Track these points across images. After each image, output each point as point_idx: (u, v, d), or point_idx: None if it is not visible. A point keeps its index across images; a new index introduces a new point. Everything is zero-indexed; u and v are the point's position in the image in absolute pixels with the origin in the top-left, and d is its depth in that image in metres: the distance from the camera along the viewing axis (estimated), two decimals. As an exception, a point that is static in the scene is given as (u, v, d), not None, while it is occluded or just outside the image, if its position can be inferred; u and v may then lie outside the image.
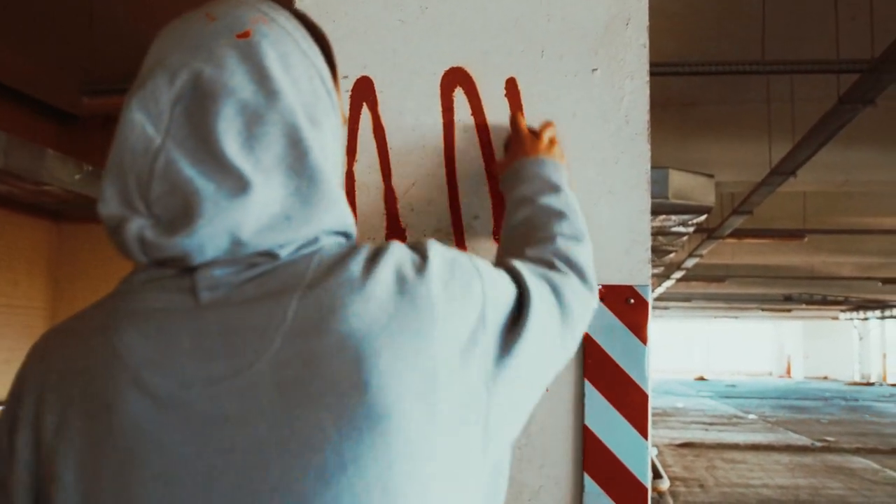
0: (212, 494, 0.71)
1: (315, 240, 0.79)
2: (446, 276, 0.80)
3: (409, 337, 0.75)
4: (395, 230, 1.50)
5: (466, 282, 0.81)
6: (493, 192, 1.49)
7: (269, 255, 0.77)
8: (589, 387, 1.45)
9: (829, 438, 13.49)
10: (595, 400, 1.44)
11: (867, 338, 35.54)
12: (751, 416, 17.25)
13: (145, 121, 0.77)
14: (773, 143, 7.72)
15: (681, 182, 5.43)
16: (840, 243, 14.18)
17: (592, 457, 1.44)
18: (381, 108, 1.52)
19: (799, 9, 5.89)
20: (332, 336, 0.73)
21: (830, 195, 11.40)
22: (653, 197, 1.50)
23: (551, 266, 1.04)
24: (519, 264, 0.95)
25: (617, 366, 1.45)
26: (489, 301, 0.83)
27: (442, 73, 1.52)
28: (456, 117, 1.51)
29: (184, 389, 0.74)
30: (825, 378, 37.66)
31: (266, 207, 0.76)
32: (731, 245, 12.69)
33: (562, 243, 1.09)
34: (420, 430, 0.73)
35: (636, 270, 1.47)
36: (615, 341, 1.45)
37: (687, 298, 25.40)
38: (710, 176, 5.89)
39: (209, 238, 0.74)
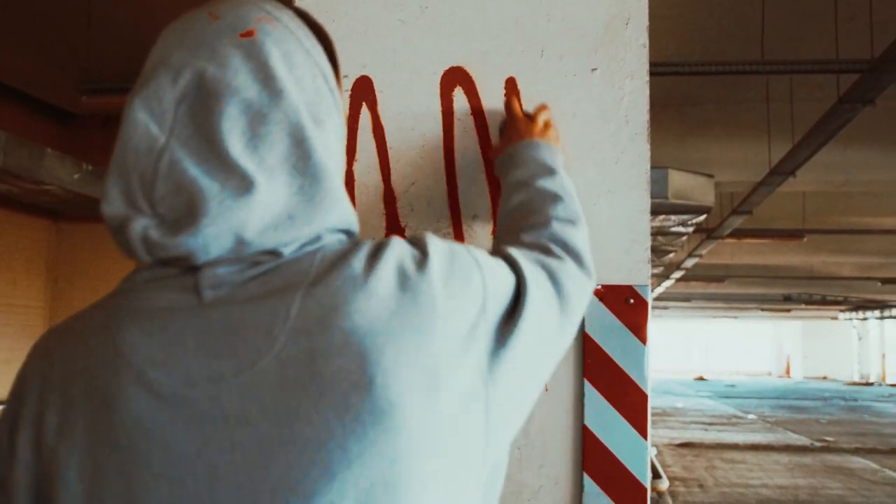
0: (215, 492, 0.71)
1: (318, 237, 0.79)
2: (447, 272, 0.80)
3: (412, 333, 0.75)
4: (394, 230, 1.50)
5: (466, 275, 0.81)
6: (493, 191, 1.49)
7: (273, 253, 0.77)
8: (588, 387, 1.45)
9: (828, 438, 13.49)
10: (594, 400, 1.44)
11: (866, 338, 35.54)
12: (750, 416, 17.26)
13: (149, 120, 0.77)
14: (772, 143, 7.72)
15: (680, 182, 5.43)
16: (839, 243, 14.18)
17: (592, 457, 1.44)
18: (380, 108, 1.52)
19: (798, 9, 5.88)
20: (335, 333, 0.73)
21: (830, 195, 11.40)
22: (652, 197, 1.50)
23: (547, 251, 1.03)
24: (515, 252, 0.95)
25: (616, 366, 1.45)
26: (490, 293, 0.83)
27: (442, 73, 1.52)
28: (456, 117, 1.51)
29: (187, 388, 0.74)
30: (824, 378, 37.67)
31: (270, 207, 0.76)
32: (730, 245, 12.69)
33: (557, 227, 1.09)
34: (422, 427, 0.73)
35: (636, 270, 1.47)
36: (615, 341, 1.45)
37: (686, 298, 25.40)
38: (710, 176, 5.89)
39: (213, 237, 0.74)
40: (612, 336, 1.45)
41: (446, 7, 1.53)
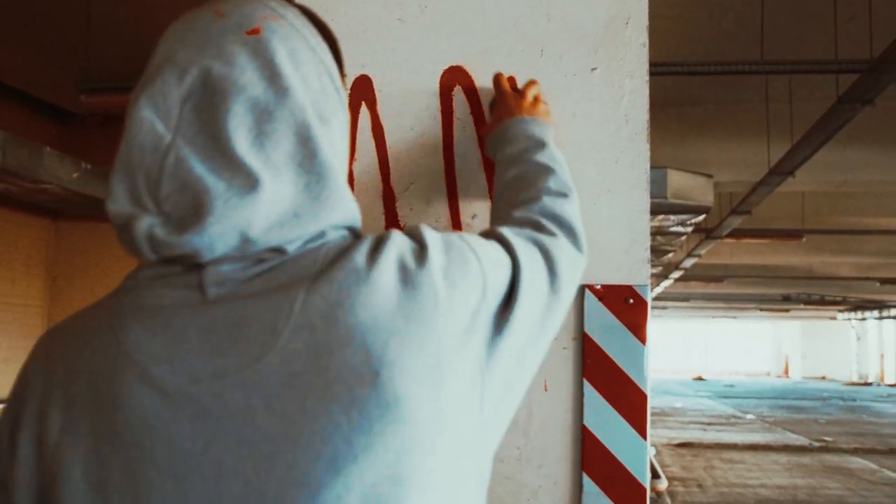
0: (221, 488, 0.72)
1: (322, 234, 0.80)
2: (445, 262, 0.80)
3: (416, 326, 0.75)
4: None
5: (464, 263, 0.82)
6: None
7: (278, 250, 0.77)
8: (588, 387, 1.44)
9: (826, 438, 13.49)
10: (594, 400, 1.44)
11: (865, 338, 35.56)
12: (749, 416, 17.26)
13: (154, 118, 0.77)
14: (771, 143, 7.72)
15: (679, 182, 5.42)
16: (838, 243, 14.19)
17: (591, 457, 1.43)
18: (380, 107, 1.52)
19: (798, 9, 5.89)
20: (339, 328, 0.73)
21: (829, 195, 11.40)
22: (651, 197, 1.50)
23: (540, 227, 1.04)
24: (508, 233, 0.95)
25: (616, 366, 1.44)
26: (489, 279, 0.83)
27: (441, 72, 1.52)
28: (455, 116, 1.51)
29: (192, 384, 0.74)
30: (823, 378, 37.69)
31: (275, 205, 0.76)
32: (729, 245, 12.69)
33: (549, 201, 1.09)
34: (427, 420, 0.74)
35: (635, 270, 1.47)
36: (614, 341, 1.45)
37: (685, 298, 25.40)
38: (709, 176, 5.89)
39: (219, 236, 0.74)
40: (611, 336, 1.45)
41: (446, 6, 1.53)
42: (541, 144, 1.21)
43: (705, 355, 44.01)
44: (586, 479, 1.43)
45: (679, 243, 7.88)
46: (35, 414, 0.78)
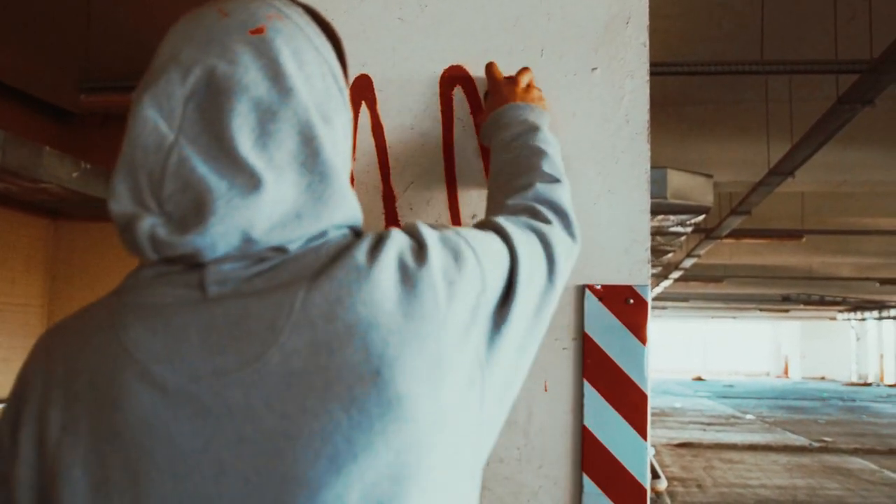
0: (221, 487, 0.72)
1: (323, 233, 0.80)
2: (444, 262, 0.80)
3: (415, 325, 0.75)
4: (393, 229, 1.49)
5: (462, 262, 0.82)
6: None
7: (279, 249, 0.77)
8: (588, 387, 1.44)
9: (826, 439, 13.49)
10: (594, 400, 1.44)
11: (864, 338, 35.56)
12: (748, 417, 17.26)
13: (158, 117, 0.77)
14: (771, 144, 7.72)
15: (679, 182, 5.42)
16: (838, 244, 14.19)
17: (591, 457, 1.43)
18: (380, 107, 1.52)
19: (798, 9, 5.89)
20: (340, 325, 0.73)
21: (829, 195, 11.40)
22: (651, 197, 1.49)
23: (536, 214, 1.05)
24: (505, 222, 0.95)
25: (616, 366, 1.44)
26: (487, 272, 0.84)
27: (441, 72, 1.52)
28: (455, 116, 1.51)
29: (192, 383, 0.74)
30: (822, 378, 37.69)
31: (278, 205, 0.76)
32: (729, 245, 12.70)
33: (543, 188, 1.10)
34: (428, 418, 0.74)
35: (635, 270, 1.47)
36: (614, 341, 1.45)
37: (685, 298, 25.40)
38: (709, 176, 5.88)
39: (221, 236, 0.74)
40: (611, 336, 1.45)
41: (446, 6, 1.53)
42: (534, 128, 1.23)
43: (705, 355, 44.01)
44: (586, 480, 1.43)
45: (679, 243, 7.87)
46: (35, 413, 0.78)
